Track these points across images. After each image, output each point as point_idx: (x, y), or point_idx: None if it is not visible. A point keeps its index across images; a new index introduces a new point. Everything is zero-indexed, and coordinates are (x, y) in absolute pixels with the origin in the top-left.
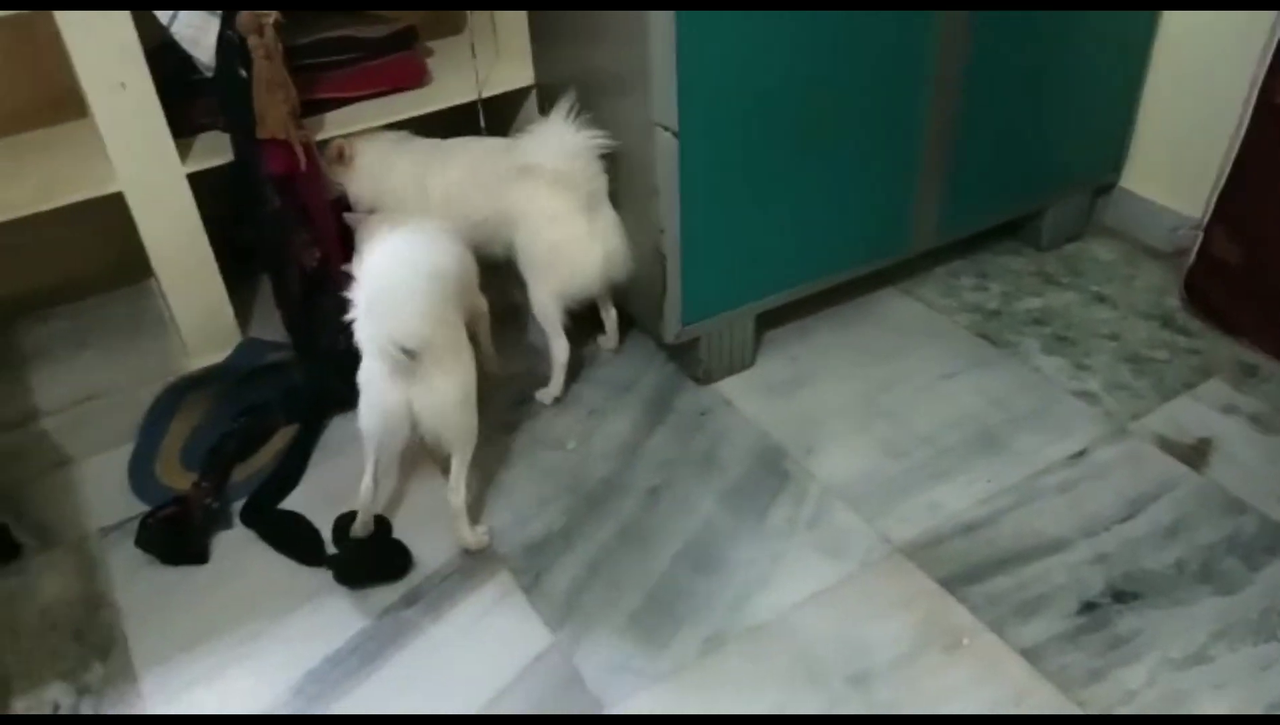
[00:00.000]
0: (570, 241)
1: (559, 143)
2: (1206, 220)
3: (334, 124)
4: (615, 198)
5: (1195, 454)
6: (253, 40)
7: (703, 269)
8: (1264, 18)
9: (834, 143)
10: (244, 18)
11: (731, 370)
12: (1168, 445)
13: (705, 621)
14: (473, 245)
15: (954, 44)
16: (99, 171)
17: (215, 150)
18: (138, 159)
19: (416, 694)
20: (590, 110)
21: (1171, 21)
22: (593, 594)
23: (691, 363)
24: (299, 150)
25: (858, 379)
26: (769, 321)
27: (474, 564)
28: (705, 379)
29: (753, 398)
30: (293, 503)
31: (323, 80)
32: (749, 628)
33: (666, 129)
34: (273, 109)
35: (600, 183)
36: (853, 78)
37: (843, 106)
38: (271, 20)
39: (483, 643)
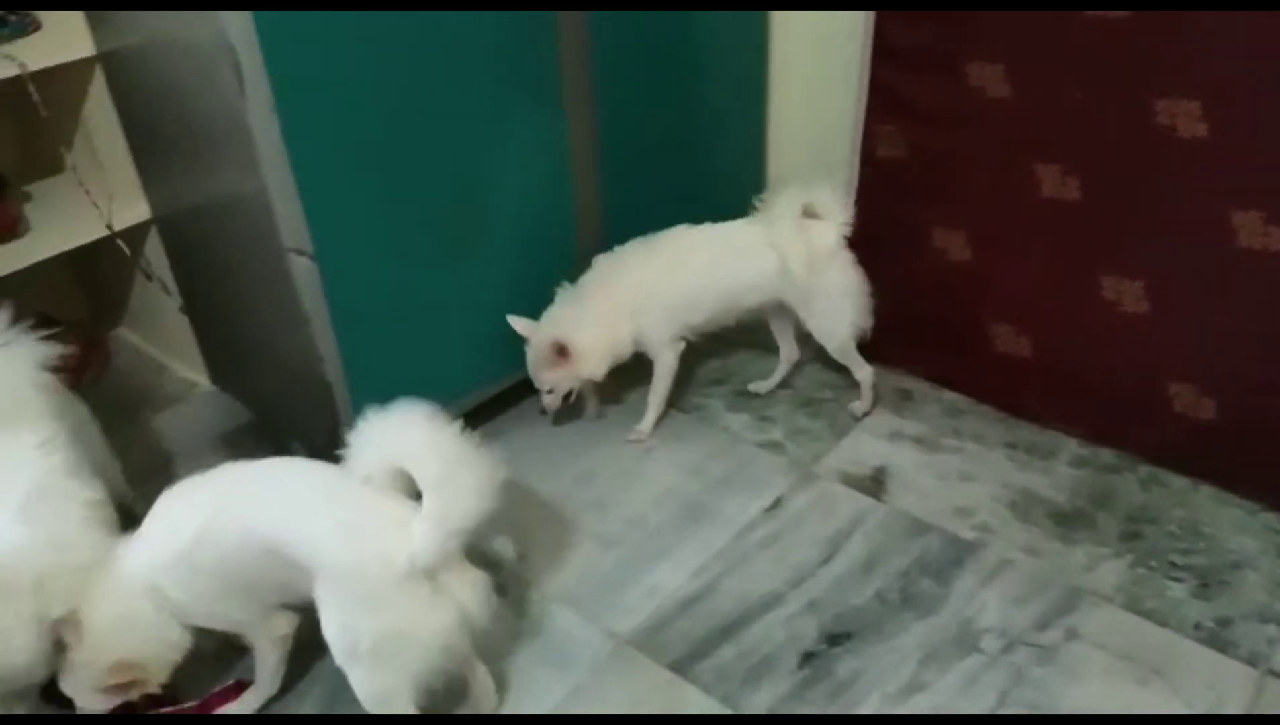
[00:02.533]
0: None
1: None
2: None
3: None
4: (264, 328)
5: (875, 484)
6: None
7: (374, 389)
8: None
9: (489, 243)
10: None
11: None
12: (850, 480)
13: None
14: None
15: (585, 139)
16: None
17: None
18: None
19: None
20: (219, 239)
21: (781, 87)
22: None
23: None
24: None
25: (559, 474)
26: None
27: None
28: None
29: None
30: None
31: None
32: None
33: (301, 253)
34: None
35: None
36: (495, 182)
37: (490, 210)
38: None
39: None
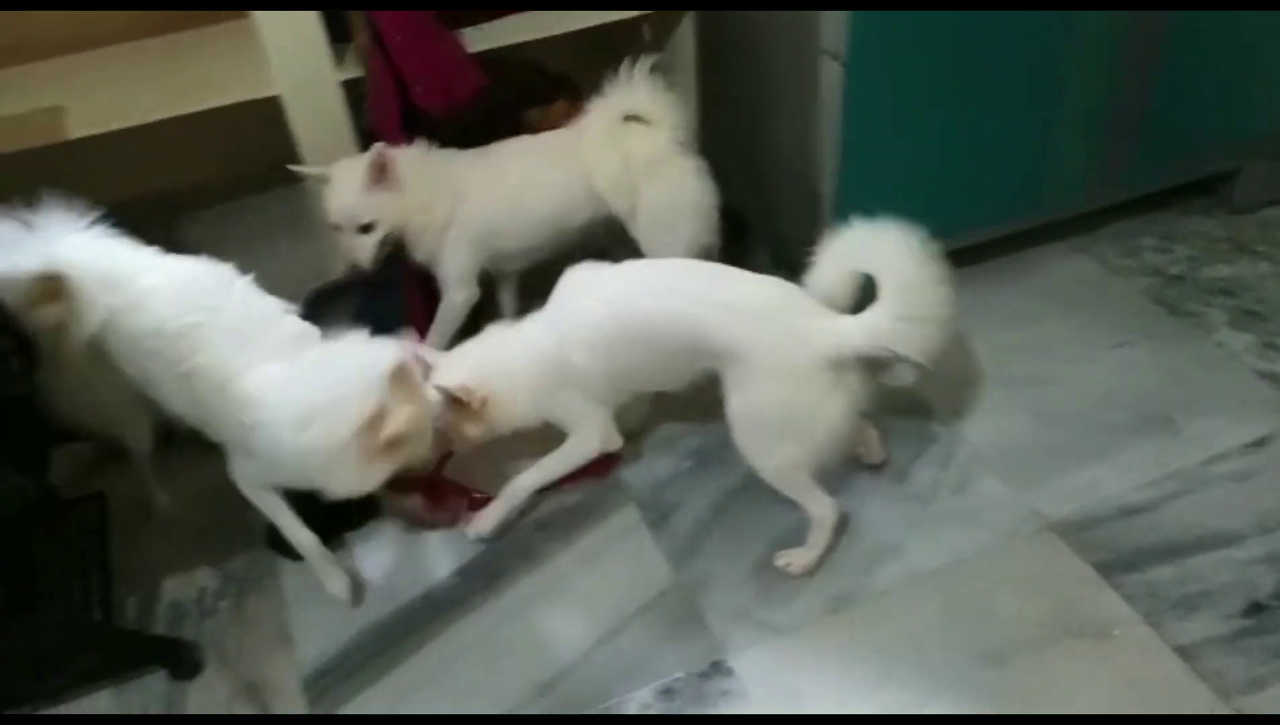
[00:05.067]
0: None
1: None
2: None
3: (487, 38)
4: (772, 124)
5: None
6: None
7: (859, 207)
8: None
9: (1009, 79)
10: None
11: None
12: None
13: (832, 581)
14: None
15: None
16: (257, 74)
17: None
18: (293, 63)
19: (540, 613)
20: (752, 32)
21: None
22: (717, 538)
23: None
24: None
25: (1016, 340)
26: None
27: (601, 496)
28: None
29: None
30: None
31: None
32: (879, 592)
33: (835, 57)
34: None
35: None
36: (1033, 46)
37: (1021, 40)
38: None
39: (606, 572)
